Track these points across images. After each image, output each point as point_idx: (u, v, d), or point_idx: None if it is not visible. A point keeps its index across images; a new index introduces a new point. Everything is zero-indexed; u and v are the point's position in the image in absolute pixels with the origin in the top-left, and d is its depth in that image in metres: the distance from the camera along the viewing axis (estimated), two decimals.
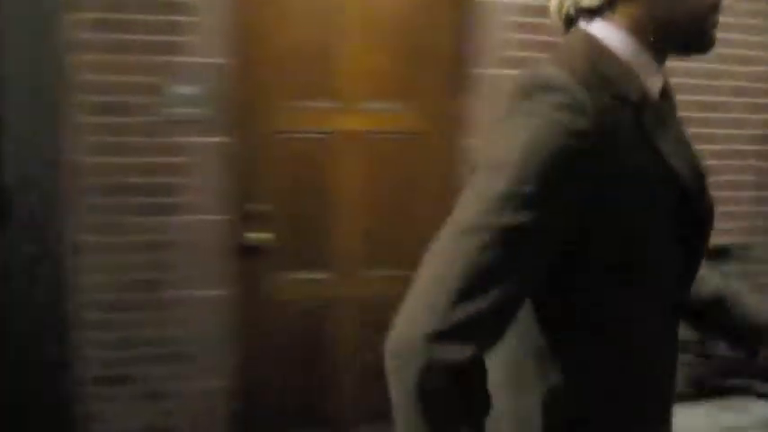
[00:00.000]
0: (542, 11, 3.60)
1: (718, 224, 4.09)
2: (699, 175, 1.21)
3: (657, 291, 1.16)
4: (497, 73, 3.52)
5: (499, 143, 1.06)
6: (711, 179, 4.06)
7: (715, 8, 1.15)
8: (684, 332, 3.85)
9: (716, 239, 4.05)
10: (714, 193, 4.11)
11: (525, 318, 1.16)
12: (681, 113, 4.12)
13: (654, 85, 1.18)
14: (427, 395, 0.98)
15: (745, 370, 3.82)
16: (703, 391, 3.78)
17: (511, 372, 1.19)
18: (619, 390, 1.16)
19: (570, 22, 1.21)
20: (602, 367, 1.15)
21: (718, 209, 4.27)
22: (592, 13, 1.17)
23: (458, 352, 0.97)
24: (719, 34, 3.30)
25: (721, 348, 3.76)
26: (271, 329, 3.41)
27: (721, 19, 1.16)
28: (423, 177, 3.57)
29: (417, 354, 0.97)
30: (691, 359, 3.84)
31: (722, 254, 3.96)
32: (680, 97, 3.98)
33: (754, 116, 4.13)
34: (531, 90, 1.06)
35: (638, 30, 1.15)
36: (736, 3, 3.97)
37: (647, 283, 1.14)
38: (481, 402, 1.03)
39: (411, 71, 3.50)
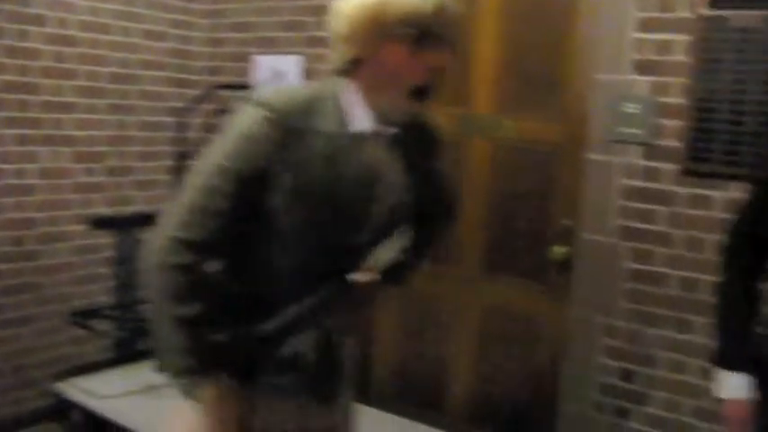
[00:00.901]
0: None
1: (139, 192, 4.26)
2: (367, 197, 1.73)
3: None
4: None
5: (227, 132, 1.66)
6: (133, 149, 4.16)
7: (410, 90, 1.66)
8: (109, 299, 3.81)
9: (138, 207, 4.17)
10: (135, 164, 4.17)
11: None
12: (94, 84, 4.05)
13: (359, 126, 1.69)
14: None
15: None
16: (128, 354, 3.89)
17: None
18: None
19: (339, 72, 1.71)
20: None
21: (137, 178, 4.35)
22: (347, 68, 1.69)
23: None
24: (126, 7, 3.34)
25: (140, 312, 3.90)
26: None
27: None
28: None
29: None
30: (111, 325, 3.92)
31: (142, 221, 4.10)
32: (91, 68, 3.99)
33: (170, 89, 4.34)
34: (255, 103, 1.64)
35: (362, 90, 1.68)
36: None
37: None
38: None
39: None
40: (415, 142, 1.83)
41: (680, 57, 2.94)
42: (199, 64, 4.46)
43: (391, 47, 1.64)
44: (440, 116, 3.53)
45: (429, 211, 2.04)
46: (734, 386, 2.09)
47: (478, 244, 3.58)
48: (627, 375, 3.12)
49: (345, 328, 1.87)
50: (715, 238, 2.87)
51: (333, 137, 1.67)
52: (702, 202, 2.93)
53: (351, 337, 1.92)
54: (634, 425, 3.12)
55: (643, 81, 3.02)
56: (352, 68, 1.70)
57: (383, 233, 1.85)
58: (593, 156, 3.13)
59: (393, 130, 1.75)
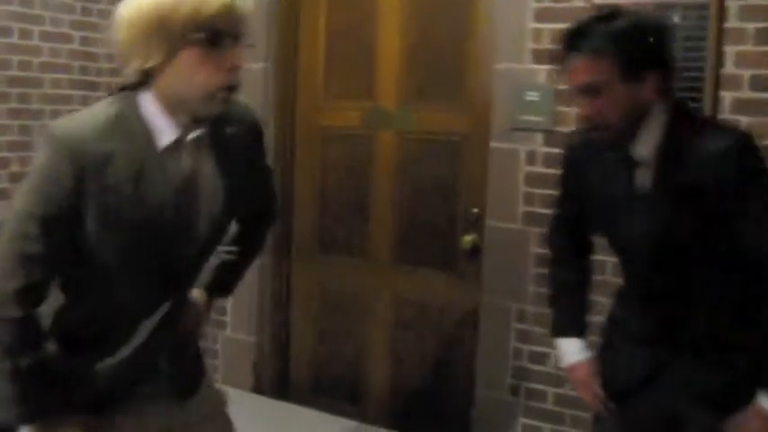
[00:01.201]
0: None
1: None
2: (180, 211, 1.70)
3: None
4: None
5: (30, 173, 1.64)
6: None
7: (208, 84, 1.60)
8: None
9: None
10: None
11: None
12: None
13: (164, 139, 1.65)
14: None
15: None
16: None
17: None
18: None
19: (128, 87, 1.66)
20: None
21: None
22: (141, 79, 1.62)
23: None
24: (25, 9, 3.24)
25: None
26: None
27: None
28: None
29: None
30: None
31: None
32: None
33: (74, 92, 4.25)
34: (49, 139, 1.61)
35: (161, 99, 1.63)
36: None
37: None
38: None
39: None
40: (234, 140, 1.78)
41: None
42: (103, 65, 4.38)
43: (184, 53, 1.58)
44: (345, 111, 3.60)
45: (255, 210, 2.03)
46: (570, 351, 2.24)
47: (389, 236, 3.61)
48: (539, 358, 3.19)
49: (189, 332, 1.91)
50: None
51: (139, 156, 1.62)
52: None
53: (194, 337, 1.98)
54: (548, 406, 3.19)
55: (542, 69, 3.08)
56: (146, 79, 1.63)
57: (212, 241, 1.82)
58: (498, 144, 3.19)
59: (198, 133, 1.70)
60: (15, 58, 3.96)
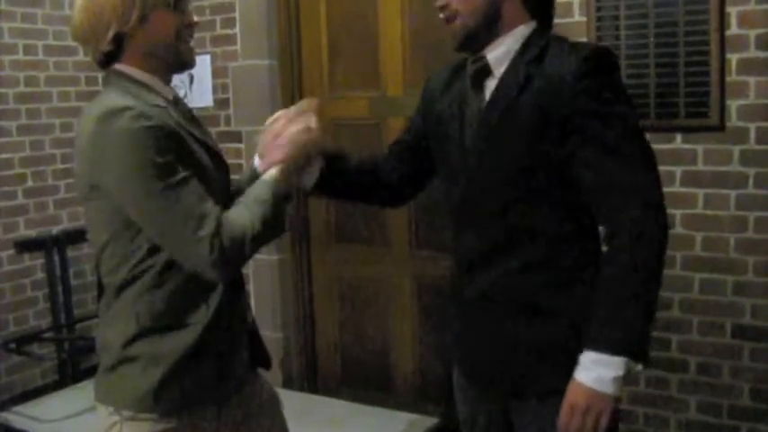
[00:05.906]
0: None
1: (63, 210, 4.18)
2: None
3: None
4: None
5: (118, 158, 1.54)
6: (51, 168, 4.06)
7: (178, 36, 1.68)
8: None
9: (63, 226, 4.08)
10: (56, 182, 4.01)
11: None
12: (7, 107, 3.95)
13: (167, 95, 1.70)
14: None
15: None
16: (71, 375, 3.84)
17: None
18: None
19: (102, 62, 1.68)
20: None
21: (59, 197, 4.22)
22: (113, 56, 1.65)
23: None
24: (27, 24, 3.21)
25: (77, 332, 3.85)
26: None
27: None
28: None
29: None
30: (50, 348, 3.87)
31: (68, 239, 4.05)
32: (4, 90, 3.87)
33: (83, 103, 4.27)
34: (108, 116, 1.53)
35: (141, 63, 1.67)
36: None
37: None
38: None
39: None
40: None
41: (579, 17, 2.99)
42: None
43: (154, 15, 1.64)
44: (353, 100, 3.59)
45: None
46: None
47: (404, 221, 3.60)
48: None
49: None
50: None
51: (182, 125, 1.66)
52: None
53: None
54: None
55: None
56: (117, 52, 1.65)
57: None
58: None
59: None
60: (21, 75, 3.99)
